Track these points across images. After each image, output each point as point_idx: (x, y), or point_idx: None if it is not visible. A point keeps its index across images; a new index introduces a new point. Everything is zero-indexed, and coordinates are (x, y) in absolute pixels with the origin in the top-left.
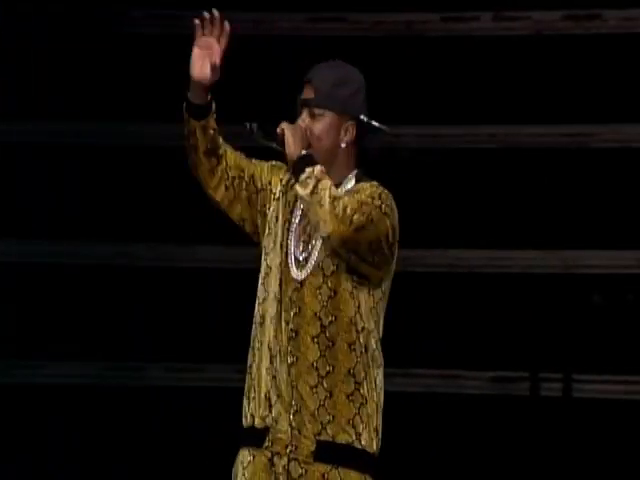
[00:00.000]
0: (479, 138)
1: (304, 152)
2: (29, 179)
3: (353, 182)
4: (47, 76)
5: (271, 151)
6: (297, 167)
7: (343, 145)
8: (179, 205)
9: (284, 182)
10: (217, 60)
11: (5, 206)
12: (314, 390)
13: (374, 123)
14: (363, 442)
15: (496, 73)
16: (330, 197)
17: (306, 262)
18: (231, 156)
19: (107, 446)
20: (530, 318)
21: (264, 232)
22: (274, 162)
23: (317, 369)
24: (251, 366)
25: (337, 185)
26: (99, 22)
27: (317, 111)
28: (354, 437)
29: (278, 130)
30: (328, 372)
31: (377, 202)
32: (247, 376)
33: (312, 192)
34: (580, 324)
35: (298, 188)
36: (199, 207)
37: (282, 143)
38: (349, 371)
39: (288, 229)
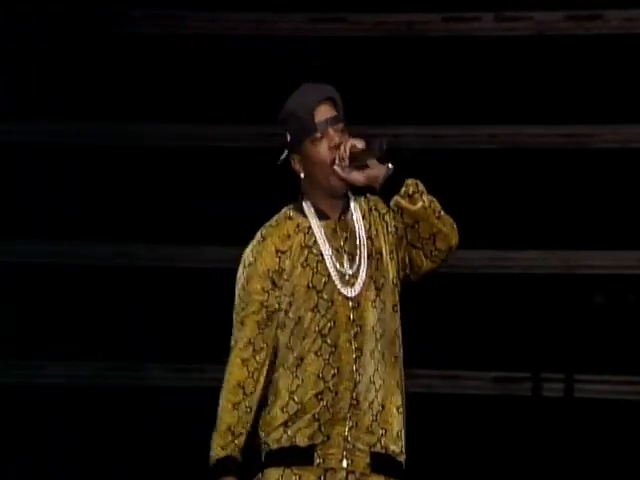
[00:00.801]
0: (480, 138)
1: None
2: (29, 179)
3: (352, 198)
4: (47, 76)
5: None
6: (386, 182)
7: None
8: (179, 205)
9: (282, 250)
10: None
11: (5, 206)
12: (370, 404)
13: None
14: (404, 456)
15: (497, 73)
16: (441, 211)
17: (355, 278)
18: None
19: (107, 446)
20: (531, 318)
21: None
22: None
23: (373, 383)
24: (292, 398)
25: (343, 204)
26: (99, 22)
27: (342, 126)
28: (400, 449)
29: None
30: (381, 385)
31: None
32: (275, 409)
33: (427, 206)
34: (581, 324)
35: (405, 203)
36: (199, 207)
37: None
38: (397, 383)
39: (317, 260)
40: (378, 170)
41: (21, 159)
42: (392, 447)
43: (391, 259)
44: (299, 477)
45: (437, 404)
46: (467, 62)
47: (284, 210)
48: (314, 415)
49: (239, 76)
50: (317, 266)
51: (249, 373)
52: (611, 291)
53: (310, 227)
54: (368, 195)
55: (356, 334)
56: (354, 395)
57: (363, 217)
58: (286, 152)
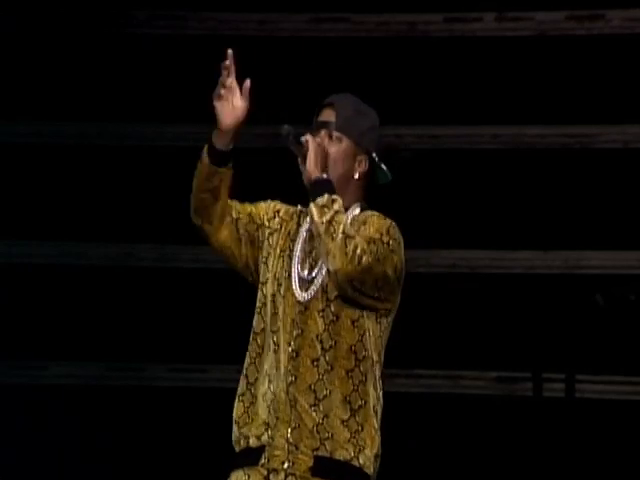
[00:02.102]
0: (482, 139)
1: (325, 176)
2: (30, 179)
3: (358, 211)
4: (50, 77)
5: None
6: (316, 188)
7: (356, 176)
8: (182, 206)
9: (282, 214)
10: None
11: (5, 206)
12: (312, 409)
13: (383, 166)
14: (361, 461)
15: (499, 74)
16: (343, 233)
17: (310, 284)
18: (233, 202)
19: (109, 446)
20: (533, 318)
21: (259, 268)
22: (269, 201)
23: (315, 391)
24: (244, 394)
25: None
26: (102, 22)
27: (336, 134)
28: (352, 455)
29: (303, 140)
30: (325, 396)
31: (385, 238)
32: (238, 404)
33: (328, 222)
34: (583, 324)
35: (314, 211)
36: None
37: (304, 156)
38: (345, 398)
39: (290, 255)
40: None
41: (22, 159)
42: (339, 451)
43: None
44: (248, 477)
45: (438, 404)
46: (469, 62)
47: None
48: (262, 416)
49: (241, 77)
50: (288, 261)
51: None
52: (612, 291)
53: (299, 223)
54: (376, 213)
55: (296, 337)
56: (290, 397)
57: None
58: None
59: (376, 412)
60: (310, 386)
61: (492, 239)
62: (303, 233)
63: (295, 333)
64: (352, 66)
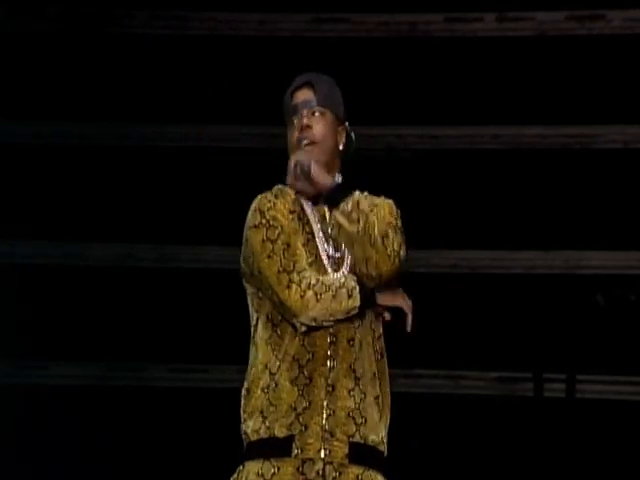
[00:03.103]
0: (483, 139)
1: (338, 179)
2: (30, 180)
3: (340, 179)
4: (48, 76)
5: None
6: (334, 195)
7: (341, 147)
8: (183, 206)
9: (287, 208)
10: None
11: (6, 206)
12: (351, 393)
13: (352, 135)
14: (384, 446)
15: (500, 74)
16: (380, 235)
17: (342, 262)
18: None
19: (109, 447)
20: (533, 319)
21: None
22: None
23: (354, 371)
24: (268, 387)
25: (330, 190)
26: (102, 22)
27: (319, 110)
28: (379, 439)
29: (291, 164)
30: (361, 374)
31: (399, 222)
32: (259, 395)
33: (363, 230)
34: (583, 325)
35: (343, 221)
36: (203, 208)
37: (304, 176)
38: (374, 374)
39: (307, 245)
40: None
41: (23, 159)
42: (372, 437)
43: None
44: (277, 469)
45: (439, 404)
46: (469, 62)
47: (278, 186)
48: (291, 404)
49: (242, 77)
50: (307, 244)
51: None
52: (613, 291)
53: (303, 207)
54: (366, 193)
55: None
56: (329, 382)
57: (350, 212)
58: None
59: (389, 391)
60: (350, 365)
61: (493, 239)
62: (312, 215)
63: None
64: (353, 66)
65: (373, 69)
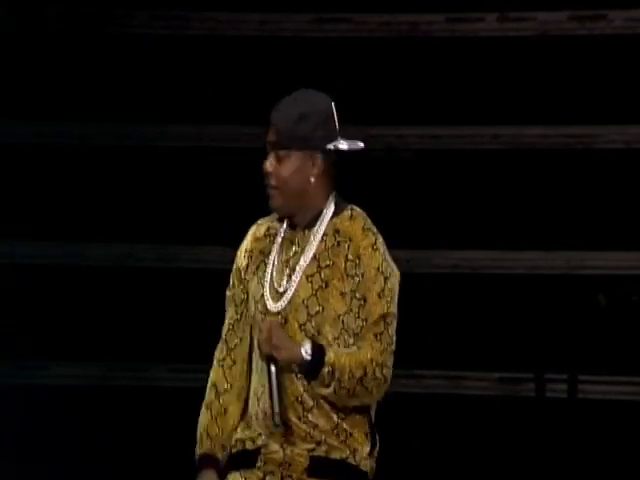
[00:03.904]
0: (484, 139)
1: (303, 351)
2: (30, 180)
3: (332, 208)
4: (49, 76)
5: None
6: (308, 370)
7: (312, 179)
8: (183, 206)
9: (249, 247)
10: None
11: (6, 207)
12: (303, 421)
13: (341, 146)
14: (357, 459)
15: (501, 74)
16: (357, 381)
17: (284, 294)
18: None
19: (110, 447)
20: (535, 319)
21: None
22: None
23: (302, 403)
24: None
25: (316, 216)
26: (102, 22)
27: (282, 153)
28: (348, 453)
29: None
30: (312, 406)
31: (387, 270)
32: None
33: (338, 388)
34: (585, 325)
35: (321, 390)
36: (203, 208)
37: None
38: (331, 405)
39: (262, 277)
40: None
41: (23, 159)
42: (335, 452)
43: (342, 296)
44: (245, 479)
45: (440, 405)
46: (470, 63)
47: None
48: (258, 421)
49: (242, 77)
50: (262, 275)
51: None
52: (615, 292)
53: (277, 233)
54: (354, 213)
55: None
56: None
57: (324, 235)
58: None
59: (367, 413)
60: (297, 398)
61: (494, 239)
62: (277, 244)
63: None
64: (354, 66)
65: (374, 69)
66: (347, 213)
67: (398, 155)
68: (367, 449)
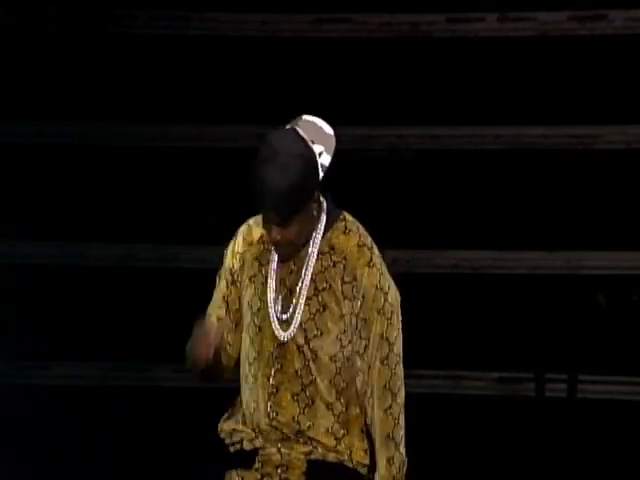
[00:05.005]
0: (484, 139)
1: (322, 217)
2: (30, 180)
3: (324, 218)
4: (49, 76)
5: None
6: None
7: (315, 213)
8: (183, 206)
9: (241, 248)
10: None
11: (6, 207)
12: (299, 441)
13: (326, 162)
14: (354, 462)
15: (501, 74)
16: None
17: (289, 323)
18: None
19: (111, 447)
20: (535, 319)
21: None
22: (228, 250)
23: (298, 423)
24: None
25: (310, 231)
26: (102, 22)
27: (286, 225)
28: (345, 457)
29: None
30: (309, 427)
31: (386, 285)
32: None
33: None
34: (585, 325)
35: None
36: (203, 208)
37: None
38: (327, 430)
39: (262, 283)
40: None
41: (23, 159)
42: (332, 455)
43: (341, 318)
44: (242, 479)
45: (440, 404)
46: (471, 63)
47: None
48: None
49: (243, 77)
50: (260, 287)
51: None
52: (615, 292)
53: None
54: (348, 225)
55: (276, 372)
56: (274, 426)
57: (319, 254)
58: None
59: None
60: (293, 418)
61: (494, 239)
62: (274, 262)
63: (274, 368)
64: (354, 66)
65: (375, 69)
66: (341, 225)
67: (399, 155)
68: (364, 451)
